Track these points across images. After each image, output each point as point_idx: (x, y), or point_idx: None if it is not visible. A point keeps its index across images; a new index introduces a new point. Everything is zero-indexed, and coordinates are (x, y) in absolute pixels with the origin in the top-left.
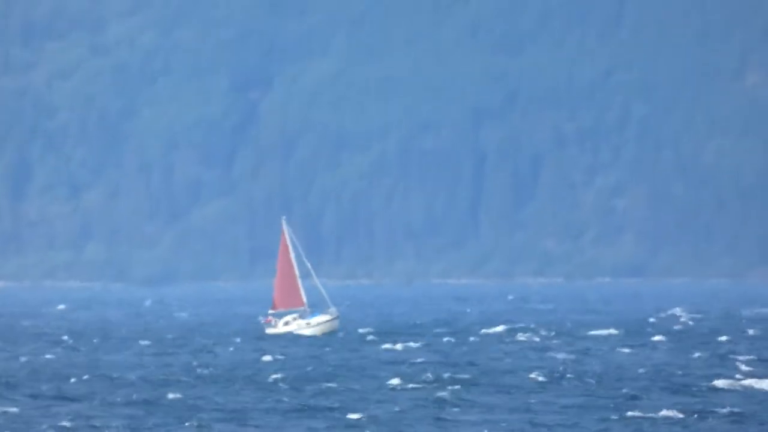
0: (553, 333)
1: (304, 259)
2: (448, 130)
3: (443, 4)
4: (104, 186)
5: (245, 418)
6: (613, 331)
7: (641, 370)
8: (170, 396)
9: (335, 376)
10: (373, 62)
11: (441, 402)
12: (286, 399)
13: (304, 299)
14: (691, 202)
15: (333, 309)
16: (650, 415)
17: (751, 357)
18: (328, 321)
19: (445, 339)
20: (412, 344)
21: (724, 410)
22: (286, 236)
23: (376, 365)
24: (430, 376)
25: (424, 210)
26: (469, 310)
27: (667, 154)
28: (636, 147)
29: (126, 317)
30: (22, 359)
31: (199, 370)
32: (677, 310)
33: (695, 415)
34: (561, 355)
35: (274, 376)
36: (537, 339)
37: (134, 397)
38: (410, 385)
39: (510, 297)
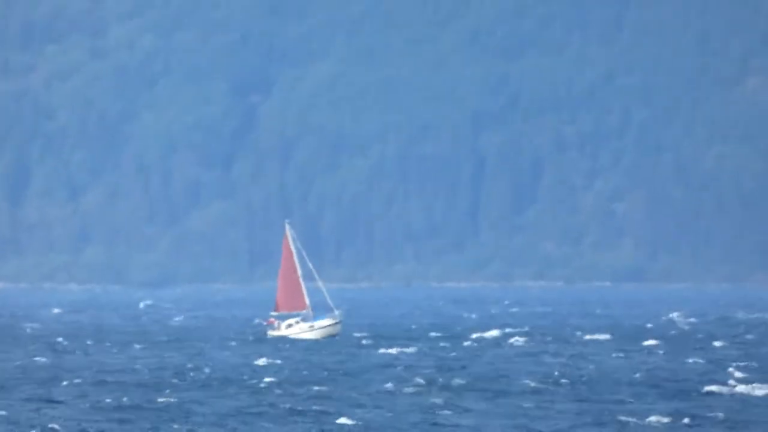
0: (549, 338)
1: (308, 262)
2: (448, 133)
3: (443, 8)
4: (103, 188)
5: (236, 423)
6: (609, 336)
7: (636, 375)
8: (161, 399)
9: (329, 380)
10: (373, 66)
11: (435, 407)
12: (278, 403)
13: (307, 302)
14: (690, 207)
15: (336, 313)
16: (643, 420)
17: (746, 363)
18: (330, 325)
19: (441, 344)
20: (407, 349)
21: (717, 416)
22: (290, 239)
23: (371, 369)
24: (424, 381)
25: (424, 213)
26: (466, 315)
27: (667, 158)
28: (636, 151)
29: (121, 320)
30: (16, 362)
31: (192, 374)
32: (674, 315)
33: (688, 420)
34: (556, 360)
35: (268, 380)
36: (532, 344)
37: (125, 400)
38: (404, 390)
39: (506, 302)
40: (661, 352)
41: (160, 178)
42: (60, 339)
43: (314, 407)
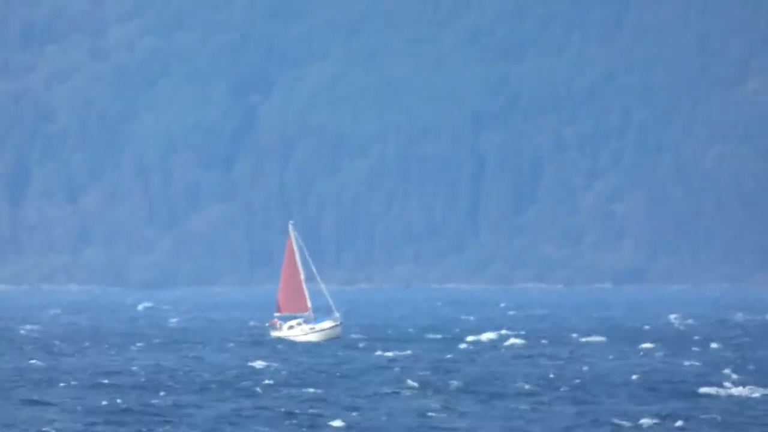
0: (545, 340)
1: (311, 265)
2: (448, 133)
3: (443, 8)
4: (103, 189)
5: (231, 425)
6: (605, 338)
7: (632, 377)
8: (155, 402)
9: (324, 382)
10: (373, 66)
11: (429, 409)
12: (273, 406)
13: (309, 304)
14: (690, 208)
15: (337, 315)
16: (638, 422)
17: (741, 364)
18: (331, 327)
19: (437, 346)
20: (402, 351)
21: (712, 418)
22: (293, 241)
23: (366, 372)
24: (419, 383)
25: (424, 214)
26: (464, 317)
27: (667, 159)
28: (636, 152)
29: (119, 322)
30: (10, 364)
31: (187, 376)
32: (673, 317)
33: (683, 423)
34: (552, 362)
35: (263, 382)
36: (529, 346)
37: (121, 402)
38: (399, 392)
39: (502, 304)
40: (657, 354)
41: (160, 179)
42: (56, 341)
43: (309, 410)
